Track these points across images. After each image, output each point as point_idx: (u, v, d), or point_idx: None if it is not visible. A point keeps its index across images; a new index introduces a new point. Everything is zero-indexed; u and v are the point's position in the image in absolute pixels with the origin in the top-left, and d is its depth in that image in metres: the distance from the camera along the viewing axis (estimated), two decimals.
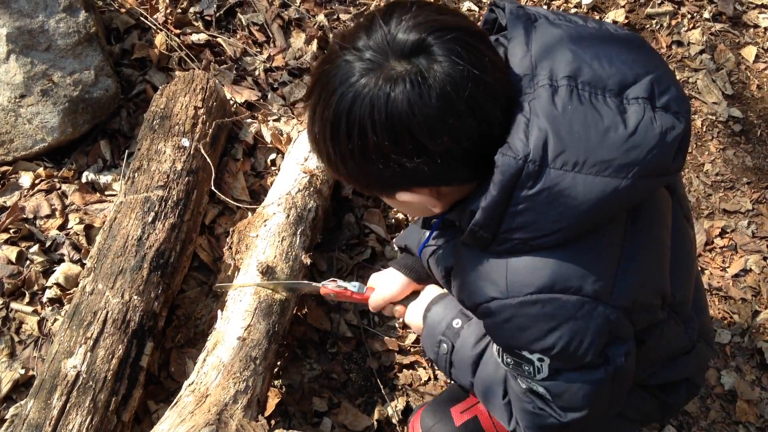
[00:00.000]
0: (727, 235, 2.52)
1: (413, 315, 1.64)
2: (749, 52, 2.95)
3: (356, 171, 1.08)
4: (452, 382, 1.71)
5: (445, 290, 1.63)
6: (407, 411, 2.02)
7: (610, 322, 1.10)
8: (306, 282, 1.84)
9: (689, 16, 3.00)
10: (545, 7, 2.95)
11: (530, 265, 1.08)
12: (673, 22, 2.98)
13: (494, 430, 1.59)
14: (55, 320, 1.98)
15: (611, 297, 1.09)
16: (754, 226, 2.54)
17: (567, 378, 1.18)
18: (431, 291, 1.64)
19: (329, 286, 1.75)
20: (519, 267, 1.09)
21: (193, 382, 1.70)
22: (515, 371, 1.24)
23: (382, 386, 2.04)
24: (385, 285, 1.68)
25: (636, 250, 1.12)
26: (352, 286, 1.75)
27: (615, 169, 1.00)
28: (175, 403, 1.66)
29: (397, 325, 2.16)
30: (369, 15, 1.06)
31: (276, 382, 1.99)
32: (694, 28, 2.97)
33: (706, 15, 2.99)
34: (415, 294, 1.67)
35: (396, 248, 2.24)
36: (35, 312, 1.99)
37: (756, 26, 3.02)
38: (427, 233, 1.43)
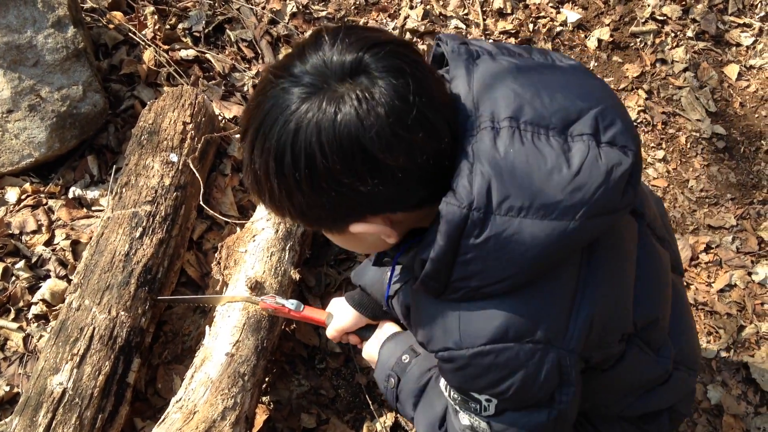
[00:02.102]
0: (712, 251, 2.54)
1: (370, 350, 1.69)
2: (732, 70, 3.00)
3: (304, 205, 1.01)
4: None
5: (396, 327, 1.69)
6: (396, 427, 2.02)
7: (562, 366, 1.09)
8: (247, 296, 1.85)
9: (673, 34, 3.04)
10: (531, 25, 2.99)
11: (482, 315, 1.06)
12: (657, 41, 3.02)
13: None
14: (41, 336, 1.96)
15: (564, 340, 1.07)
16: (738, 241, 2.56)
17: (511, 417, 1.17)
18: (387, 329, 1.68)
19: (268, 301, 1.82)
20: (471, 317, 1.07)
21: (180, 399, 1.69)
22: (460, 406, 1.23)
23: (370, 402, 2.04)
24: (340, 316, 1.73)
25: (591, 288, 1.09)
26: (290, 303, 1.82)
27: (561, 211, 0.97)
28: (163, 420, 1.65)
29: None
30: (298, 45, 1.02)
31: (264, 399, 1.98)
32: (677, 46, 3.02)
33: (690, 33, 3.04)
34: (370, 326, 1.72)
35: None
36: (20, 328, 1.97)
37: (738, 45, 3.07)
38: (388, 275, 1.39)
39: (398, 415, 2.02)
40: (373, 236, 1.09)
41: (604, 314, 1.11)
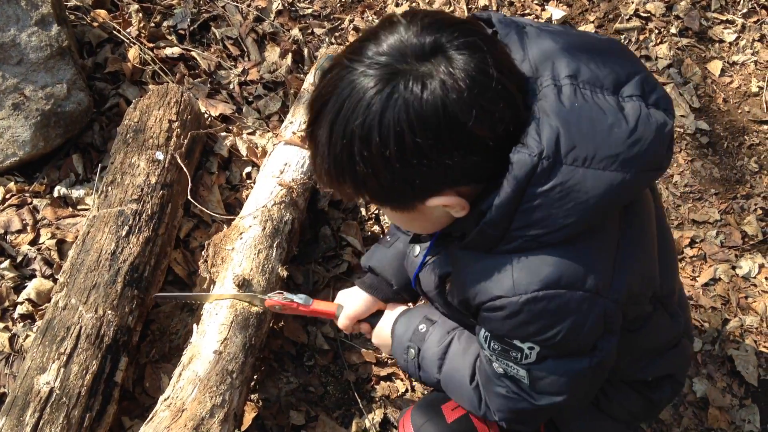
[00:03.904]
0: (696, 245, 2.57)
1: (380, 334, 1.70)
2: (715, 66, 3.02)
3: (390, 182, 1.05)
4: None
5: (406, 307, 1.70)
6: (385, 423, 2.02)
7: (607, 315, 1.15)
8: (252, 294, 1.84)
9: (657, 31, 3.07)
10: None
11: (536, 263, 1.10)
12: (641, 37, 3.05)
13: (485, 426, 1.60)
14: (27, 336, 1.95)
15: (609, 291, 1.13)
16: (722, 236, 2.59)
17: (553, 365, 1.22)
18: (396, 309, 1.69)
19: (275, 298, 1.78)
20: (525, 265, 1.11)
21: (168, 397, 1.68)
22: (499, 355, 1.26)
23: (359, 399, 2.04)
24: (351, 303, 1.73)
25: (630, 245, 1.17)
26: (299, 298, 1.78)
27: (620, 163, 1.03)
28: (151, 419, 1.64)
29: None
30: (369, 30, 1.07)
31: (253, 396, 1.98)
32: (661, 43, 3.04)
33: (673, 30, 3.06)
34: (380, 313, 1.72)
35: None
36: (6, 328, 1.96)
37: (721, 41, 3.09)
38: (417, 249, 1.44)
39: (387, 411, 2.03)
40: (441, 211, 1.14)
41: (640, 269, 1.20)
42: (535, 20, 2.99)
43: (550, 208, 1.04)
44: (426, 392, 2.07)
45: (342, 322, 1.74)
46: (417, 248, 1.45)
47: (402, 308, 1.69)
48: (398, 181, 1.05)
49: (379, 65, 1.00)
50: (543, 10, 3.07)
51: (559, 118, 1.03)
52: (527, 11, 3.05)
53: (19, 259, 2.08)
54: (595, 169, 1.03)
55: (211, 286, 1.96)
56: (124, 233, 1.93)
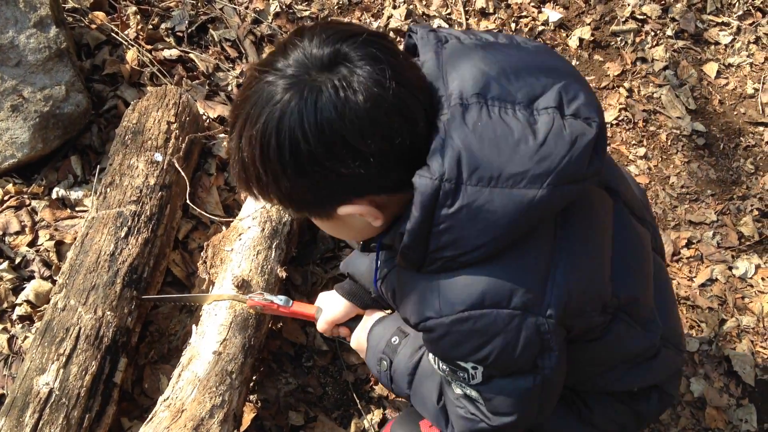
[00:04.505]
0: (693, 246, 2.58)
1: (358, 339, 1.71)
2: (711, 68, 3.04)
3: (290, 189, 1.06)
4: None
5: (384, 313, 1.71)
6: (383, 423, 2.02)
7: (541, 333, 1.12)
8: (234, 294, 1.85)
9: (653, 33, 3.08)
10: (513, 24, 3.01)
11: (460, 283, 1.10)
12: (638, 40, 3.06)
13: None
14: (26, 338, 1.95)
15: (542, 307, 1.11)
16: (719, 236, 2.60)
17: (499, 384, 1.21)
18: (373, 316, 1.70)
19: (256, 299, 1.81)
20: (449, 286, 1.11)
21: (168, 398, 1.69)
22: (450, 377, 1.27)
23: (358, 399, 2.05)
24: (330, 307, 1.75)
25: (567, 256, 1.13)
26: (279, 299, 1.81)
27: (529, 180, 1.02)
28: (151, 419, 1.65)
29: None
30: (279, 43, 1.08)
31: (252, 397, 1.98)
32: (657, 45, 3.06)
33: (669, 32, 3.08)
34: (359, 317, 1.73)
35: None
36: (5, 330, 1.96)
37: (717, 43, 3.11)
38: (376, 263, 1.43)
39: (386, 411, 2.03)
40: (360, 220, 1.13)
41: (581, 283, 1.15)
42: (524, 26, 3.02)
43: (461, 230, 1.04)
44: None
45: (321, 326, 1.76)
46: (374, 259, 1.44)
47: (378, 315, 1.70)
48: (298, 188, 1.05)
49: (284, 76, 1.01)
50: (540, 12, 3.08)
51: (461, 138, 1.02)
52: (524, 13, 3.07)
53: (18, 260, 2.08)
54: (502, 188, 1.02)
55: (210, 287, 1.96)
56: (122, 234, 1.93)
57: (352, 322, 1.74)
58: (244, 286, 1.85)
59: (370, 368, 1.65)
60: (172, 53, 2.58)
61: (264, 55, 1.12)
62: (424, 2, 2.99)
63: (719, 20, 3.16)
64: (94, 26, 2.53)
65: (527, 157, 1.02)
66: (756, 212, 2.66)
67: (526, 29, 3.02)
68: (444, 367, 1.26)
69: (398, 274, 1.25)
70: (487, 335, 1.11)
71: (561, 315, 1.13)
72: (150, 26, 2.62)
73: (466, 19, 2.98)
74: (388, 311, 1.74)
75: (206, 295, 1.90)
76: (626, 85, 2.94)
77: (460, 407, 1.31)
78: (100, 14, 2.57)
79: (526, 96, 1.07)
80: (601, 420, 1.52)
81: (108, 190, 2.03)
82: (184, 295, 2.03)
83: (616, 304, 1.26)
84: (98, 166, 2.26)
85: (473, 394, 1.25)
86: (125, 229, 1.94)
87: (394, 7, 2.93)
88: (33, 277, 2.06)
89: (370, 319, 1.70)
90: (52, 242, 2.11)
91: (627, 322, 1.30)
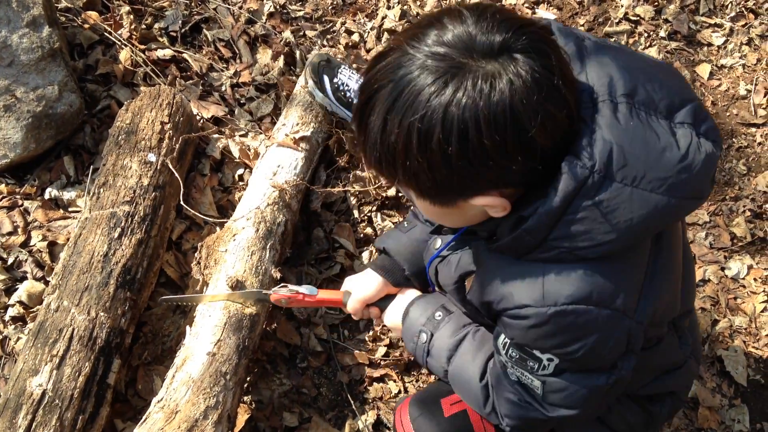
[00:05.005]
0: None
1: (392, 314, 1.68)
2: (704, 70, 3.05)
3: (443, 178, 1.03)
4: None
5: (420, 293, 1.67)
6: (378, 424, 2.02)
7: (630, 336, 1.16)
8: (257, 290, 1.83)
9: (646, 34, 3.09)
10: None
11: (569, 276, 1.10)
12: (631, 41, 3.07)
13: (482, 424, 1.61)
14: (18, 339, 1.94)
15: (635, 313, 1.14)
16: (711, 237, 2.61)
17: (569, 378, 1.22)
18: (410, 294, 1.67)
19: (281, 292, 1.76)
20: (558, 276, 1.11)
21: (162, 399, 1.68)
22: (516, 363, 1.26)
23: (352, 400, 2.04)
24: (361, 286, 1.71)
25: (659, 272, 1.18)
26: (304, 288, 1.76)
27: (668, 187, 1.04)
28: (144, 420, 1.64)
29: (366, 339, 2.16)
30: (431, 17, 1.04)
31: (246, 398, 1.98)
32: (650, 46, 3.06)
33: (662, 33, 3.09)
34: (389, 297, 1.70)
35: (374, 250, 2.26)
36: None
37: (709, 44, 3.12)
38: (439, 241, 1.46)
39: (380, 412, 2.03)
40: (479, 209, 1.12)
41: (664, 295, 1.21)
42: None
43: (593, 222, 1.04)
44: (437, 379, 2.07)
45: (352, 306, 1.71)
46: (439, 240, 1.46)
47: (416, 293, 1.67)
48: (452, 178, 1.03)
49: (440, 57, 0.97)
50: (533, 13, 3.09)
51: (614, 134, 1.03)
52: (518, 13, 3.07)
53: (10, 261, 2.07)
54: (642, 190, 1.03)
55: (204, 287, 1.95)
56: (116, 235, 1.92)
57: (382, 302, 1.70)
58: (238, 286, 1.85)
59: (404, 342, 1.61)
60: (165, 53, 2.57)
61: (409, 27, 1.06)
62: (418, 3, 2.99)
63: (712, 21, 3.17)
64: (87, 26, 2.52)
65: (671, 165, 1.04)
66: (748, 213, 2.67)
67: None
68: (514, 353, 1.24)
69: (480, 258, 1.25)
70: (583, 331, 1.13)
71: (648, 323, 1.17)
72: (143, 26, 2.61)
73: None
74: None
75: (226, 293, 1.85)
76: None
77: (513, 393, 1.31)
78: (93, 14, 2.56)
79: (666, 107, 1.09)
80: (615, 420, 1.54)
81: (101, 190, 2.03)
82: (202, 295, 1.97)
83: (675, 318, 1.32)
84: (91, 167, 2.25)
85: (535, 382, 1.25)
86: (118, 229, 1.94)
87: (389, 8, 2.93)
88: (26, 278, 2.05)
89: (407, 296, 1.66)
90: (45, 243, 2.10)
91: (673, 334, 1.37)
